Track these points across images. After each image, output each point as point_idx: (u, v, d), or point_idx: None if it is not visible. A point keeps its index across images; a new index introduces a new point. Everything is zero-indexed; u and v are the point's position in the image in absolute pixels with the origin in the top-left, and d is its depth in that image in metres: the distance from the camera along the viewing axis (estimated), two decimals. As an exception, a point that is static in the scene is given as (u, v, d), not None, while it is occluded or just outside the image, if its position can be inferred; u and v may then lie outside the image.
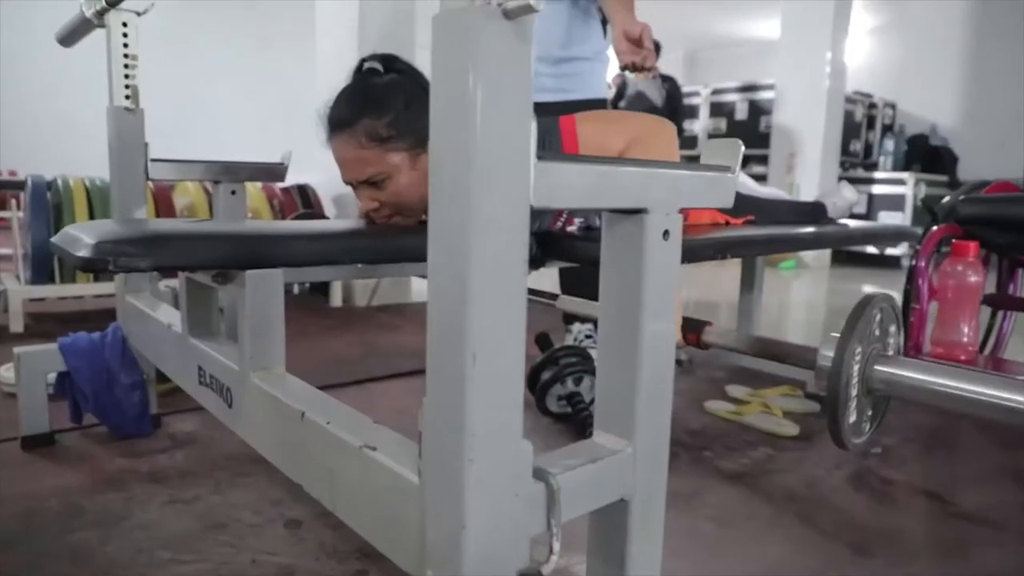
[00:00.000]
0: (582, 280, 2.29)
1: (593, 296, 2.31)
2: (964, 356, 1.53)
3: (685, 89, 6.03)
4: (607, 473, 0.72)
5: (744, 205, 1.82)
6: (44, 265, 2.53)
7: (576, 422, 1.71)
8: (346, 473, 0.76)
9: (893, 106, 6.74)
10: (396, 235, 1.13)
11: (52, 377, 1.52)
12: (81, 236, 0.91)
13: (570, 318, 2.34)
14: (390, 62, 1.23)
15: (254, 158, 1.67)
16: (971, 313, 1.54)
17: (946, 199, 1.87)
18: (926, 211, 1.82)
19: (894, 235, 2.04)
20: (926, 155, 6.13)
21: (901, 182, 5.63)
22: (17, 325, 2.46)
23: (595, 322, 2.40)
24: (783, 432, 1.73)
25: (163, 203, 2.65)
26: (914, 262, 1.73)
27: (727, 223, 1.76)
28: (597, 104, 2.04)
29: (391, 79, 1.21)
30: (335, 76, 3.62)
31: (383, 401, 1.90)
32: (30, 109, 6.80)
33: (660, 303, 0.74)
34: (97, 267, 0.84)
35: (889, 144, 6.10)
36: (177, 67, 6.62)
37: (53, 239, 1.01)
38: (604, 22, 2.03)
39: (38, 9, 6.55)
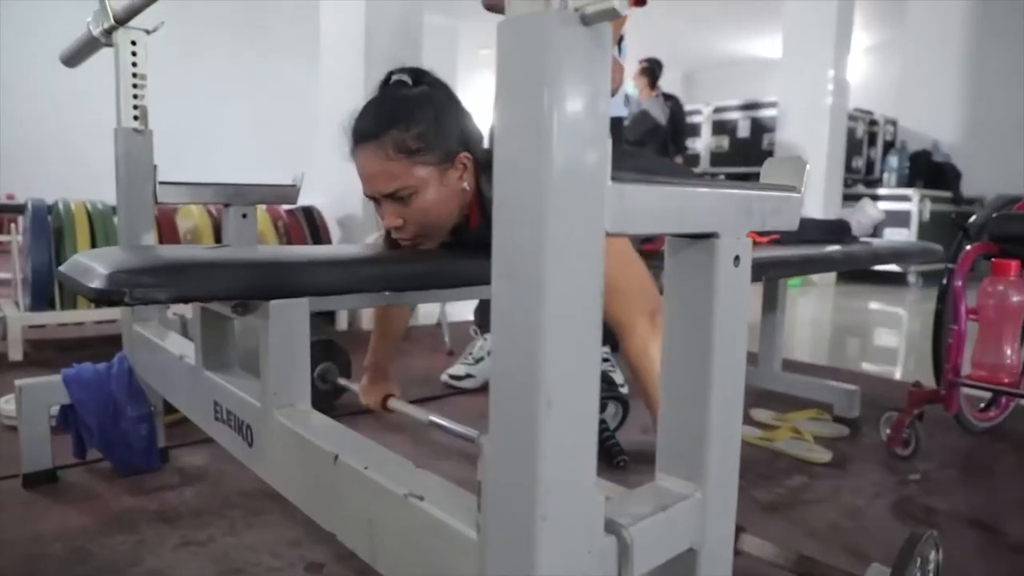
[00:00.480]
0: None
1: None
2: (1008, 379, 1.47)
3: (686, 108, 6.01)
4: (677, 521, 0.66)
5: (769, 224, 1.77)
6: (44, 291, 2.46)
7: (602, 451, 1.64)
8: (388, 524, 0.70)
9: (894, 123, 6.73)
10: (428, 259, 1.07)
11: (55, 409, 1.45)
12: (93, 265, 0.84)
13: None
14: (419, 75, 1.18)
15: (255, 180, 1.61)
16: (1013, 334, 1.49)
17: (973, 217, 1.82)
18: (957, 229, 1.77)
19: (920, 253, 1.99)
20: (929, 171, 6.10)
21: (906, 198, 5.60)
22: (16, 353, 2.38)
23: (612, 345, 2.33)
24: (816, 459, 1.66)
25: (166, 227, 2.59)
26: (947, 281, 1.68)
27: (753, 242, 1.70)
28: (612, 123, 1.99)
29: (421, 91, 1.15)
30: (340, 96, 3.55)
31: (398, 433, 1.83)
32: (27, 131, 6.76)
33: (731, 335, 0.68)
34: (112, 299, 0.78)
35: (893, 161, 6.08)
36: (174, 83, 6.55)
37: (61, 268, 0.95)
38: (618, 40, 1.98)
39: (36, 29, 6.53)
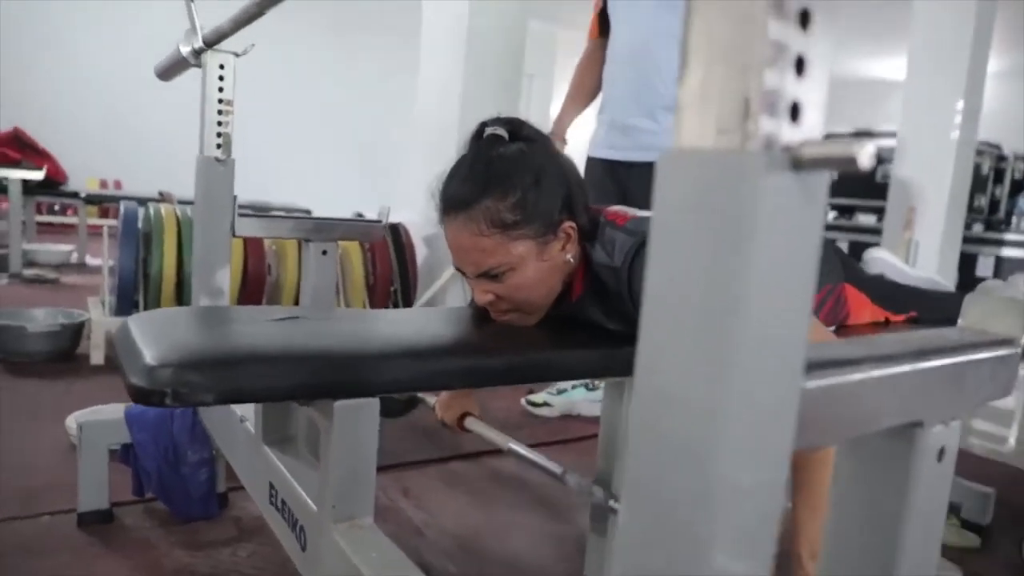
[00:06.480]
0: None
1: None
2: None
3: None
4: None
5: (904, 298, 1.54)
6: (129, 295, 2.45)
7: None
8: None
9: (1024, 159, 6.17)
10: (522, 348, 0.91)
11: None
12: (140, 348, 0.73)
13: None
14: (517, 127, 1.01)
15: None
16: None
17: None
18: None
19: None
20: (1065, 215, 5.55)
21: (1040, 245, 5.10)
22: (98, 357, 2.38)
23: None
24: (944, 577, 1.43)
25: (252, 244, 2.54)
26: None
27: (887, 321, 1.49)
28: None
29: (518, 149, 0.99)
30: (437, 105, 3.42)
31: (471, 461, 1.70)
32: (130, 122, 6.97)
33: (925, 558, 0.50)
34: (151, 400, 0.67)
35: None
36: (263, 100, 6.53)
37: (118, 329, 0.85)
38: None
39: (135, 24, 6.69)
